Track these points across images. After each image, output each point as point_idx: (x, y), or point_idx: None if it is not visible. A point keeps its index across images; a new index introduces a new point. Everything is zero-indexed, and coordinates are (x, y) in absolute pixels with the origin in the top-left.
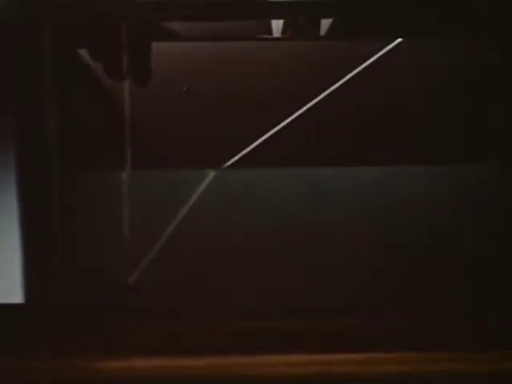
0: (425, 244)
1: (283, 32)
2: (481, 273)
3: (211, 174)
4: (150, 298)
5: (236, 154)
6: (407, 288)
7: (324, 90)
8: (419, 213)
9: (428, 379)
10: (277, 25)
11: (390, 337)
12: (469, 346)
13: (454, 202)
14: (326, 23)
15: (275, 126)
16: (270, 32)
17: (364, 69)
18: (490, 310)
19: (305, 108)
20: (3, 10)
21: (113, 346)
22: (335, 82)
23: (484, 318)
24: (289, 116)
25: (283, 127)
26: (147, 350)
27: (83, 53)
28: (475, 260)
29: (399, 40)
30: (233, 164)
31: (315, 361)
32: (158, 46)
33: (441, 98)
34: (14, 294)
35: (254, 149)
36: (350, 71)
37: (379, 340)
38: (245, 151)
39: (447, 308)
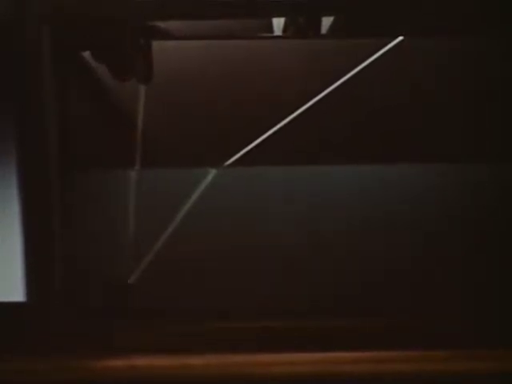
0: (425, 244)
1: (284, 30)
2: (481, 273)
3: (212, 173)
4: (150, 298)
5: (237, 153)
6: (407, 288)
7: (325, 89)
8: (419, 212)
9: (428, 378)
10: (278, 23)
11: (390, 336)
12: (469, 345)
13: (454, 201)
14: (326, 22)
15: (276, 124)
16: (271, 30)
17: (365, 67)
18: (490, 309)
19: (305, 107)
20: (3, 10)
21: (113, 346)
22: (336, 81)
23: (484, 318)
24: (289, 115)
25: (284, 126)
26: (147, 350)
27: (83, 53)
28: (475, 260)
29: (400, 38)
30: (234, 162)
31: (315, 360)
32: (158, 46)
33: (441, 98)
34: (15, 293)
35: (254, 147)
36: (351, 70)
37: (379, 339)
38: (245, 150)
39: (447, 308)
